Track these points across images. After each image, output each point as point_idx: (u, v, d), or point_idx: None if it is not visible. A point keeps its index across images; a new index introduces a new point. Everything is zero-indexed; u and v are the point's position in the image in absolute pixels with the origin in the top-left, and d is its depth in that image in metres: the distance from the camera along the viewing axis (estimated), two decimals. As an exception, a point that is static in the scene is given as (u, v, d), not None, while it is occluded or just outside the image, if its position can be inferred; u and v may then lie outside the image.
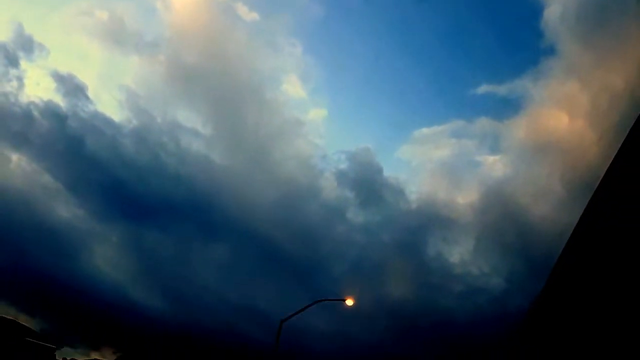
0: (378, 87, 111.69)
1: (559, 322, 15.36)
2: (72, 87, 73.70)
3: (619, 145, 11.90)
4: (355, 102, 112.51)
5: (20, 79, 76.78)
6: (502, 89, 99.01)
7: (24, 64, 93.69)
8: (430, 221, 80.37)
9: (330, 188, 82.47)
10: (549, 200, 72.31)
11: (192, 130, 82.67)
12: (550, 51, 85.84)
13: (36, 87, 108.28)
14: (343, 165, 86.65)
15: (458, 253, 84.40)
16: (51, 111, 70.70)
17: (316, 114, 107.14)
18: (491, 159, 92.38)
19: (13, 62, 74.23)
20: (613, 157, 12.24)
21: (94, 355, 62.19)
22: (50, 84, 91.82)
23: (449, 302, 71.02)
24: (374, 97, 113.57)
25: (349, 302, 25.89)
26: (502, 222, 75.69)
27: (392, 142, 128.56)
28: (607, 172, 12.57)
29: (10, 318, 37.45)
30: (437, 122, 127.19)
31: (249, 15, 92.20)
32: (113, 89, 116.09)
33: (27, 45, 75.34)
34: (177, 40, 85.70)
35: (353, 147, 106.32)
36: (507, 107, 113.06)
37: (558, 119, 76.16)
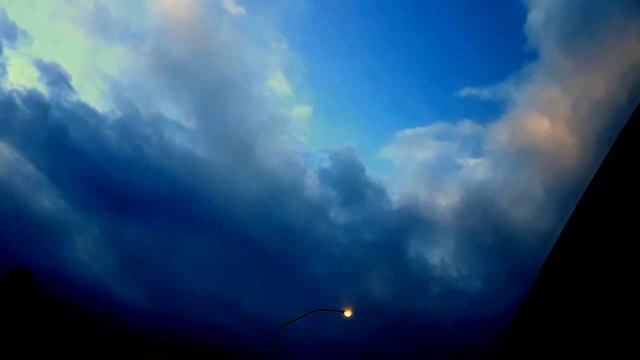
0: (363, 87, 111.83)
1: (543, 332, 15.42)
2: (55, 76, 72.38)
3: (599, 151, 11.96)
4: (340, 101, 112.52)
5: (3, 66, 75.24)
6: (485, 92, 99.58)
7: (7, 51, 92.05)
8: (412, 222, 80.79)
9: (313, 186, 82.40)
10: (529, 205, 73.19)
11: (176, 123, 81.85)
12: (533, 56, 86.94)
13: (19, 75, 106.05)
14: (326, 164, 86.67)
15: (438, 255, 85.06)
16: (34, 100, 69.45)
17: (301, 111, 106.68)
18: (473, 162, 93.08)
19: (-5, 48, 72.58)
20: (594, 163, 12.30)
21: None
22: (34, 73, 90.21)
23: (428, 304, 71.48)
24: (359, 97, 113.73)
25: (347, 313, 26.21)
26: (482, 226, 76.45)
27: (375, 142, 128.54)
28: (592, 180, 12.64)
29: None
30: (420, 123, 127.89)
31: (235, 9, 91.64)
32: (97, 79, 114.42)
33: (10, 32, 73.63)
34: (162, 32, 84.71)
35: (336, 146, 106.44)
36: (490, 111, 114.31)
37: (539, 123, 77.09)
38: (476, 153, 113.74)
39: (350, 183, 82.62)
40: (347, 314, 25.83)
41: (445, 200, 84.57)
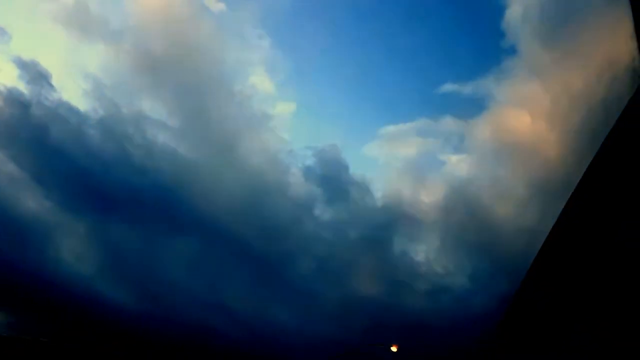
0: (345, 84, 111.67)
1: (532, 330, 15.53)
2: (35, 74, 71.00)
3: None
4: (323, 98, 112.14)
5: (-20, 64, 73.60)
6: (466, 88, 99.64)
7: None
8: (396, 219, 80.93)
9: (297, 184, 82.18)
10: (511, 200, 73.79)
11: (159, 121, 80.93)
12: (512, 51, 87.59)
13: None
14: (309, 161, 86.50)
15: (423, 251, 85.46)
16: (14, 99, 68.11)
17: (284, 108, 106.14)
18: (455, 158, 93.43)
19: (-27, 45, 71.08)
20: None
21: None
22: (13, 71, 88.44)
23: (414, 300, 71.80)
24: (341, 94, 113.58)
25: (394, 349, 26.07)
26: (466, 221, 76.87)
27: (358, 139, 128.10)
28: (583, 176, 12.70)
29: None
30: (402, 120, 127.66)
31: (216, 5, 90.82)
32: (78, 77, 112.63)
33: (-13, 29, 72.24)
34: (142, 29, 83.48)
35: (320, 143, 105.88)
36: (471, 106, 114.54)
37: (520, 119, 77.58)
38: (458, 149, 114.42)
39: (335, 181, 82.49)
40: (394, 349, 25.70)
41: (429, 196, 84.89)
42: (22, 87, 73.99)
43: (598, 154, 11.94)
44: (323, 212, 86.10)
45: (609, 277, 11.81)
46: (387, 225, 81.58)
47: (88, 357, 45.82)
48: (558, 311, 14.18)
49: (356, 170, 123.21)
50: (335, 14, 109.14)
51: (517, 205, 72.12)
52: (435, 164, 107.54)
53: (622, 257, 11.26)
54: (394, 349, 25.08)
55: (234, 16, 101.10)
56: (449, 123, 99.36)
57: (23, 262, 61.67)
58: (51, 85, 77.81)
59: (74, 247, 69.61)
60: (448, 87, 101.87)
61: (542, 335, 15.13)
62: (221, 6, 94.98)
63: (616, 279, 11.51)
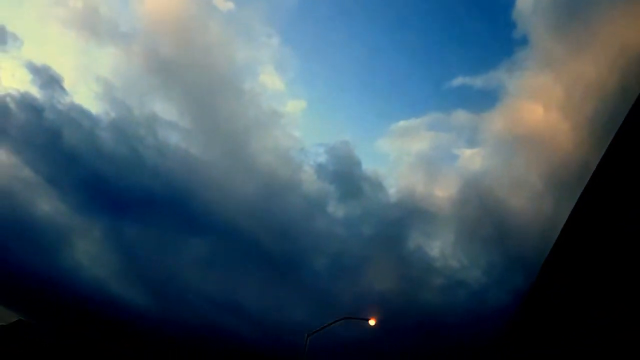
0: (355, 80, 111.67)
1: (549, 322, 15.44)
2: (47, 79, 71.94)
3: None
4: (333, 95, 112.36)
5: (-6, 70, 74.83)
6: (477, 81, 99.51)
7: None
8: (410, 214, 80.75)
9: (309, 181, 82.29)
10: (526, 192, 73.23)
11: (170, 123, 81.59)
12: (523, 42, 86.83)
13: (11, 79, 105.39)
14: (321, 158, 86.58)
15: (438, 246, 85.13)
16: (27, 103, 69.03)
17: (294, 106, 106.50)
18: (468, 152, 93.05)
19: (-14, 52, 72.17)
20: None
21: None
22: (26, 76, 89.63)
23: (429, 295, 71.57)
24: (352, 90, 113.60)
25: (372, 322, 25.72)
26: (481, 215, 76.47)
27: (370, 135, 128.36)
28: (596, 169, 12.62)
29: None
30: (414, 115, 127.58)
31: (224, 5, 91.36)
32: (89, 81, 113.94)
33: (0, 35, 73.25)
34: (152, 30, 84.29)
35: (331, 140, 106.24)
36: (483, 99, 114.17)
37: (533, 110, 77.00)
38: (471, 143, 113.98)
39: (347, 177, 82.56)
40: (372, 322, 25.68)
41: (442, 191, 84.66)
42: (35, 92, 75.10)
43: (612, 144, 11.85)
44: (336, 209, 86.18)
45: (625, 266, 11.72)
46: (401, 221, 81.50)
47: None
48: (574, 302, 14.09)
49: (368, 166, 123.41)
50: (343, 11, 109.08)
51: (531, 197, 71.61)
52: (448, 158, 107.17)
53: (637, 245, 11.18)
54: (372, 322, 24.95)
55: (243, 15, 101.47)
56: (461, 116, 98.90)
57: (39, 264, 62.59)
58: (63, 89, 79.00)
59: (88, 249, 70.50)
60: (459, 80, 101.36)
61: (558, 327, 15.05)
62: (230, 5, 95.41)
63: (632, 268, 11.42)
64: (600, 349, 12.45)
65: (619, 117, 11.62)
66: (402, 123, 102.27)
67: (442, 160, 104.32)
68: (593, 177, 12.61)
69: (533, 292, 16.33)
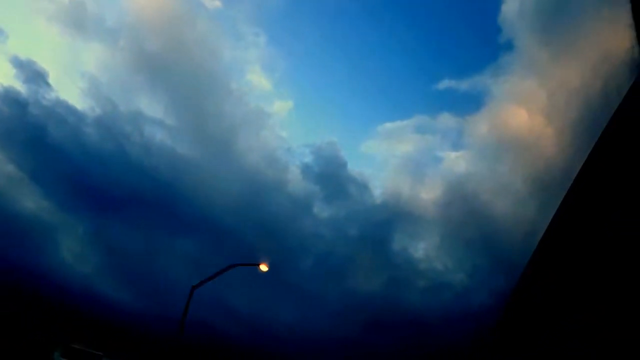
0: (343, 81, 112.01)
1: (531, 325, 15.58)
2: (32, 74, 71.04)
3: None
4: (320, 95, 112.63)
5: (-23, 64, 73.66)
6: (463, 85, 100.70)
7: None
8: (395, 216, 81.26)
9: (295, 181, 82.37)
10: (510, 195, 74.02)
11: (156, 120, 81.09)
12: (508, 47, 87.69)
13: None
14: (307, 159, 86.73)
15: (422, 248, 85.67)
16: (11, 98, 68.09)
17: (281, 106, 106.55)
18: (453, 155, 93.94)
19: (-31, 45, 71.07)
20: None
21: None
22: (10, 70, 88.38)
23: (414, 297, 72.01)
24: (339, 91, 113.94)
25: (263, 267, 24.73)
26: (465, 218, 77.14)
27: (356, 136, 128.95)
28: (579, 173, 12.74)
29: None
30: (400, 117, 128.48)
31: (211, 3, 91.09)
32: (75, 76, 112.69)
33: (-17, 29, 72.19)
34: (138, 27, 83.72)
35: (317, 141, 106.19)
36: (469, 103, 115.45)
37: (517, 114, 77.92)
38: (456, 145, 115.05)
39: (333, 178, 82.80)
40: (263, 267, 24.59)
41: (427, 193, 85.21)
42: (19, 86, 73.97)
43: (595, 148, 11.97)
44: (322, 210, 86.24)
45: (607, 269, 11.86)
46: (386, 223, 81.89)
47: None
48: (557, 304, 14.23)
49: (354, 167, 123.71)
50: (331, 12, 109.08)
51: (515, 200, 72.31)
52: (433, 161, 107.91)
53: (619, 248, 11.32)
54: (263, 267, 24.17)
55: (230, 14, 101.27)
56: (446, 120, 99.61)
57: (22, 261, 61.77)
58: (48, 84, 77.59)
59: (72, 246, 69.77)
60: (445, 83, 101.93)
61: (541, 329, 15.20)
62: (217, 4, 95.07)
63: (614, 271, 11.56)
64: (584, 352, 12.60)
65: (602, 121, 11.75)
66: (388, 125, 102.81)
67: (428, 163, 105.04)
68: (576, 181, 12.74)
69: (515, 295, 16.46)
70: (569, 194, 13.05)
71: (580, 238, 13.00)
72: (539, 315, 15.24)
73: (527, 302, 15.96)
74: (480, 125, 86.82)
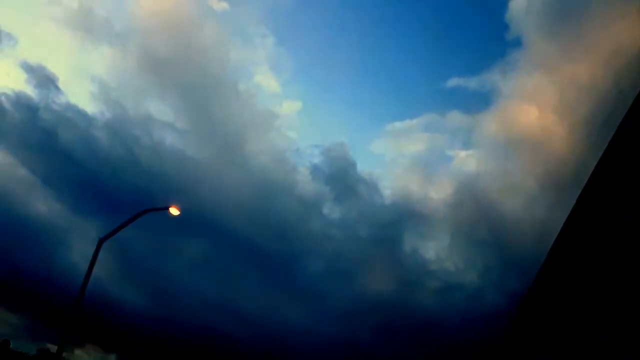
0: (350, 81, 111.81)
1: (545, 329, 15.16)
2: (42, 79, 71.61)
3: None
4: (328, 96, 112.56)
5: (-12, 69, 74.40)
6: (472, 82, 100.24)
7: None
8: (405, 216, 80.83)
9: (304, 182, 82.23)
10: (521, 195, 73.22)
11: (166, 123, 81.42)
12: (517, 43, 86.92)
13: (6, 78, 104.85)
14: (317, 160, 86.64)
15: (433, 249, 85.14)
16: (22, 103, 68.63)
17: (289, 107, 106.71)
18: (463, 153, 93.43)
19: (-20, 51, 71.65)
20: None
21: (78, 352, 60.98)
22: (21, 75, 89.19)
23: (425, 298, 71.43)
24: (347, 91, 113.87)
25: (174, 210, 23.38)
26: (476, 217, 76.44)
27: (365, 136, 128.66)
28: (596, 167, 12.33)
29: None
30: (409, 116, 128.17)
31: (219, 5, 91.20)
32: (85, 80, 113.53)
33: (-6, 34, 72.76)
34: (146, 30, 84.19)
35: (326, 141, 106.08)
36: (478, 101, 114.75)
37: (527, 112, 77.15)
38: (466, 144, 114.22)
39: (342, 178, 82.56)
40: (174, 211, 23.23)
41: (437, 193, 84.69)
42: (30, 91, 74.62)
43: (610, 145, 11.56)
44: (331, 211, 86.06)
45: (624, 272, 11.43)
46: (396, 223, 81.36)
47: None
48: (570, 308, 13.80)
49: (364, 167, 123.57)
50: (338, 12, 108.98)
51: (527, 199, 71.43)
52: (443, 160, 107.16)
53: (636, 251, 10.89)
54: (174, 211, 22.77)
55: (237, 16, 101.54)
56: (455, 118, 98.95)
57: (35, 264, 62.12)
58: (58, 89, 78.50)
59: (84, 250, 70.04)
60: (454, 81, 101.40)
61: (554, 332, 14.78)
62: (224, 6, 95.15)
63: (632, 274, 11.13)
64: (597, 357, 12.19)
65: (615, 119, 11.33)
66: (397, 124, 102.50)
67: (437, 162, 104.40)
68: (590, 180, 12.32)
69: (528, 297, 16.05)
70: (582, 194, 12.63)
71: (595, 239, 12.57)
72: (551, 319, 14.80)
73: (540, 305, 15.53)
74: (490, 123, 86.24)
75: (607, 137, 11.74)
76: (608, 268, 11.93)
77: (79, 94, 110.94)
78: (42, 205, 67.40)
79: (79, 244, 69.54)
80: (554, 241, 13.91)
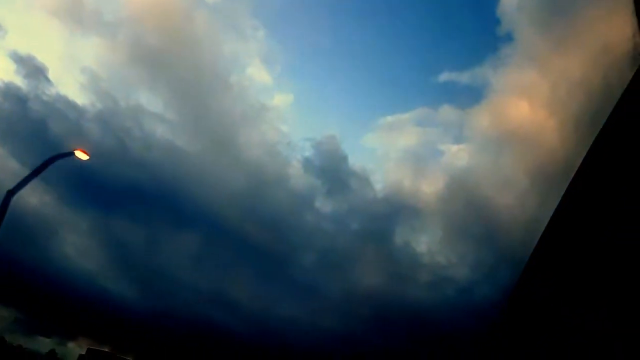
0: (343, 74, 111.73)
1: (537, 316, 15.43)
2: (32, 69, 70.99)
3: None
4: (320, 89, 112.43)
5: (-23, 60, 73.76)
6: (464, 77, 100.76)
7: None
8: (397, 210, 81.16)
9: (296, 176, 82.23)
10: (512, 189, 73.70)
11: (156, 114, 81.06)
12: (508, 38, 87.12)
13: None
14: (308, 153, 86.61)
15: (425, 242, 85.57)
16: (12, 94, 68.04)
17: (281, 100, 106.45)
18: (454, 147, 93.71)
19: (-32, 41, 70.91)
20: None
21: (70, 345, 60.99)
22: (10, 65, 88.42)
23: (417, 291, 71.90)
24: (339, 84, 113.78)
25: (82, 155, 22.47)
26: (467, 211, 76.89)
27: (357, 129, 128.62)
28: (583, 162, 12.56)
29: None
30: (401, 110, 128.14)
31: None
32: (75, 71, 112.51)
33: (-18, 24, 71.96)
34: (137, 21, 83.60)
35: (318, 135, 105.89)
36: (470, 95, 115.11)
37: (518, 107, 77.47)
38: (458, 138, 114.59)
39: (334, 172, 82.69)
40: (82, 155, 22.23)
41: (429, 187, 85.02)
42: (19, 82, 73.98)
43: (597, 140, 11.78)
44: (323, 204, 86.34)
45: (610, 263, 11.71)
46: (388, 217, 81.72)
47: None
48: (560, 299, 14.09)
49: (355, 161, 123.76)
50: (330, 5, 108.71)
51: (517, 193, 71.95)
52: (434, 154, 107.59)
53: (622, 242, 11.16)
54: (82, 155, 21.73)
55: (229, 7, 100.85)
56: (447, 112, 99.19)
57: (26, 257, 61.82)
58: (48, 80, 77.72)
59: (75, 242, 69.88)
60: (445, 75, 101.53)
61: (544, 323, 15.08)
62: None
63: (617, 265, 11.40)
64: (586, 347, 12.46)
65: (605, 112, 11.54)
66: (389, 118, 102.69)
67: (429, 156, 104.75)
68: (578, 174, 12.56)
69: (518, 289, 16.32)
70: (569, 189, 12.87)
71: (582, 232, 12.83)
72: (541, 310, 15.09)
73: (529, 296, 15.82)
74: (482, 118, 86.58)
75: (596, 132, 11.96)
76: (595, 259, 12.19)
77: (69, 84, 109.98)
78: (33, 197, 67.05)
79: (70, 237, 69.41)
80: (541, 234, 14.17)
